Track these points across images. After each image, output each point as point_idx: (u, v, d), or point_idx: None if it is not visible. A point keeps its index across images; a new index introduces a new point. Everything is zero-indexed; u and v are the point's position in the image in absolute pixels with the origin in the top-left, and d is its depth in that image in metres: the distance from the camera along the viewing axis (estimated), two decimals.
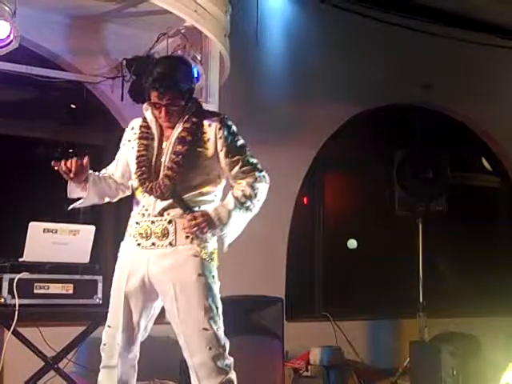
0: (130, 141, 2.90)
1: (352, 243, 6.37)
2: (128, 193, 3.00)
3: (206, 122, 2.78)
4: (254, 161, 2.84)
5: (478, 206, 6.76)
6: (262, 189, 2.83)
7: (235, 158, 2.79)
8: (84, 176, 2.80)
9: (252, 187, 2.80)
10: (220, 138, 2.76)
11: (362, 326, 5.84)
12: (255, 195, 2.80)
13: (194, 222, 2.69)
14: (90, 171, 2.85)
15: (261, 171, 2.85)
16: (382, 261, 6.08)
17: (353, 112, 5.96)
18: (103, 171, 3.01)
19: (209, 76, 4.35)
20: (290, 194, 5.63)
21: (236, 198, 2.77)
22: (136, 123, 2.91)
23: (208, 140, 2.76)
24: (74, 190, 2.87)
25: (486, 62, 6.54)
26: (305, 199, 6.08)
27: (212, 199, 2.83)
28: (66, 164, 2.75)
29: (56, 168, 2.76)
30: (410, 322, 5.57)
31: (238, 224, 2.79)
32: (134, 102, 4.40)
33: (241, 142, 2.83)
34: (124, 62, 4.64)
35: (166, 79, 2.69)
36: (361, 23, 5.88)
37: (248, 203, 2.78)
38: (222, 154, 2.78)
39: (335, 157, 6.02)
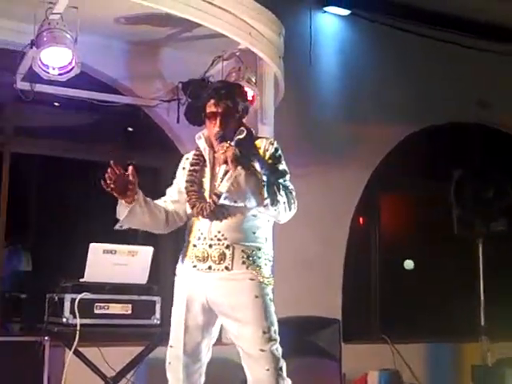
0: (184, 168, 2.96)
1: (409, 264, 6.26)
2: (180, 223, 2.97)
3: (256, 144, 2.84)
4: (291, 186, 2.81)
5: None
6: (287, 208, 2.73)
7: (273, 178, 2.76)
8: (132, 193, 2.76)
9: (284, 197, 2.73)
10: (267, 150, 2.82)
11: (420, 349, 5.70)
12: (281, 202, 2.69)
13: (227, 153, 2.65)
14: (141, 194, 2.81)
15: (294, 198, 2.78)
16: (440, 282, 5.95)
17: (408, 131, 5.89)
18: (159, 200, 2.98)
19: (264, 98, 4.38)
20: (346, 214, 5.58)
21: (274, 185, 2.68)
22: (191, 154, 2.98)
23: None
24: (122, 211, 2.79)
25: None
26: (360, 220, 6.03)
27: (256, 214, 2.79)
28: (108, 174, 2.71)
29: (106, 186, 2.72)
30: (470, 345, 5.42)
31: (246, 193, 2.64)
32: (189, 124, 4.45)
33: (283, 166, 2.84)
34: (180, 86, 4.71)
35: (223, 88, 2.88)
36: (416, 42, 5.85)
37: (278, 197, 2.68)
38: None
39: (391, 176, 5.94)
